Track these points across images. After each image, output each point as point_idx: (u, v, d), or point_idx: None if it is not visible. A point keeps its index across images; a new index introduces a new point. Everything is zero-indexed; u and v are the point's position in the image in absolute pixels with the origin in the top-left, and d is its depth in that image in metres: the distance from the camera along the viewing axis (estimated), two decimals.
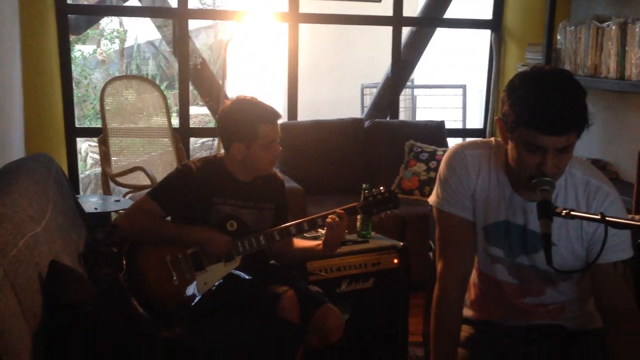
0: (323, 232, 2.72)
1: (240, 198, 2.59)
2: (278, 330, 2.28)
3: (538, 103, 1.69)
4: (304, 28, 4.95)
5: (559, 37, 4.62)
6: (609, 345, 1.83)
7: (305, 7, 4.90)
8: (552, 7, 4.50)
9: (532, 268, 1.94)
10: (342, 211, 2.57)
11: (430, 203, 2.01)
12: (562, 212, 1.62)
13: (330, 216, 2.55)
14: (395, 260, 3.17)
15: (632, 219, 1.66)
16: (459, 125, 7.34)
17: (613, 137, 4.56)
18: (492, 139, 1.99)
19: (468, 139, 2.21)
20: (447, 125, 5.00)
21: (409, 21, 5.29)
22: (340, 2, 5.13)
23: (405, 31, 5.36)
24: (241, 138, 2.52)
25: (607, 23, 4.18)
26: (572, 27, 4.48)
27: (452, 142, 4.87)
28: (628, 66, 3.99)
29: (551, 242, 1.65)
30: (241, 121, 2.52)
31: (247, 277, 2.56)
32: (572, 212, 1.60)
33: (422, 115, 8.06)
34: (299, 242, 2.72)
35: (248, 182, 2.62)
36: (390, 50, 5.14)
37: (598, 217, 1.52)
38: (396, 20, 5.05)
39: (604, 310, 1.89)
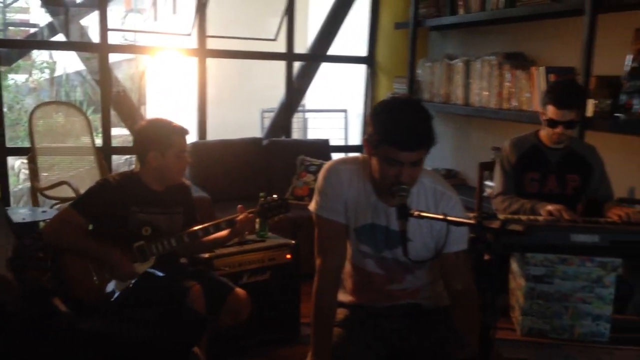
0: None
1: (154, 206, 2.55)
2: (185, 320, 2.25)
3: (397, 126, 1.75)
4: (213, 61, 4.90)
5: (419, 71, 4.79)
6: (454, 318, 1.91)
7: (212, 44, 4.85)
8: (413, 47, 4.67)
9: (394, 260, 1.99)
10: (250, 214, 2.60)
11: (310, 209, 2.02)
12: (414, 213, 1.67)
13: (241, 215, 2.57)
14: (288, 256, 3.19)
15: (468, 218, 1.74)
16: (342, 143, 7.45)
17: (461, 151, 4.77)
18: (360, 155, 2.03)
19: (349, 154, 2.26)
20: (332, 143, 5.07)
21: (299, 57, 5.34)
22: (242, 40, 5.12)
23: (297, 64, 5.40)
24: (157, 147, 2.51)
25: (455, 60, 4.37)
26: (429, 63, 4.65)
27: (336, 156, 4.94)
28: (472, 95, 4.19)
29: (407, 238, 1.70)
30: (156, 132, 2.52)
31: (160, 274, 2.51)
32: (422, 214, 1.65)
33: (312, 135, 8.13)
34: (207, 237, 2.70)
35: (160, 192, 2.59)
36: (284, 81, 5.17)
37: (441, 217, 1.58)
38: (288, 56, 5.09)
39: (449, 290, 1.97)
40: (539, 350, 2.35)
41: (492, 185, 3.24)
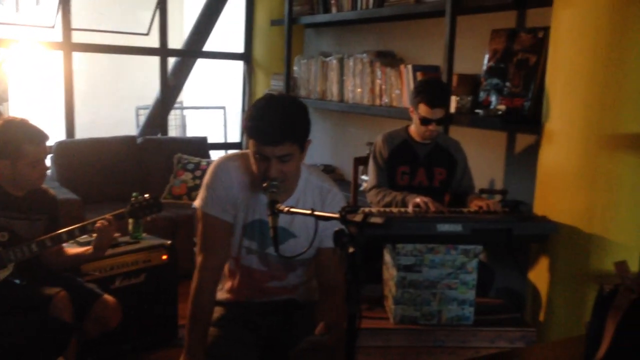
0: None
1: (13, 210, 2.37)
2: (49, 328, 2.11)
3: (259, 120, 1.75)
4: (84, 56, 4.64)
5: (295, 68, 4.82)
6: (319, 311, 1.94)
7: (80, 37, 4.59)
8: (289, 44, 4.67)
9: (277, 257, 1.98)
10: (110, 217, 2.45)
11: (196, 206, 1.96)
12: (283, 209, 1.67)
13: (99, 221, 2.42)
14: (164, 257, 3.08)
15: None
16: (222, 140, 7.36)
17: (339, 147, 4.86)
18: (249, 150, 2.02)
19: (229, 151, 2.22)
20: (211, 140, 4.98)
21: (173, 52, 5.19)
22: (114, 34, 4.89)
23: (172, 60, 5.25)
24: (6, 156, 2.31)
25: (329, 57, 4.43)
26: (305, 60, 4.70)
27: (215, 154, 4.86)
28: (346, 92, 4.27)
29: (278, 233, 1.69)
30: (5, 141, 2.31)
31: (19, 282, 2.33)
32: (291, 210, 1.65)
33: (191, 132, 7.96)
34: (70, 250, 2.55)
35: (21, 196, 2.41)
36: (158, 77, 5.00)
37: (309, 212, 1.59)
38: (162, 51, 4.93)
39: (320, 285, 2.01)
40: (411, 336, 2.45)
41: (367, 179, 3.34)
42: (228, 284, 2.08)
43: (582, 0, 2.51)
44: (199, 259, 1.94)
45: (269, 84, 5.06)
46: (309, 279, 2.09)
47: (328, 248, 1.95)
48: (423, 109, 2.88)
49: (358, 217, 1.39)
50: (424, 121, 2.90)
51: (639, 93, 2.41)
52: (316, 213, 1.57)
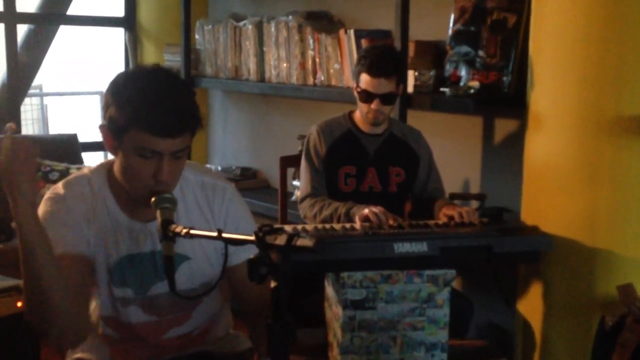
0: None
1: None
2: None
3: (150, 103, 1.73)
4: None
5: (197, 37, 4.78)
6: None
7: None
8: (187, 4, 4.62)
9: (171, 294, 1.95)
10: None
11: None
12: (182, 232, 1.65)
13: None
14: (19, 304, 2.98)
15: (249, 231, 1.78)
16: (99, 137, 7.19)
17: (260, 143, 4.84)
18: (86, 168, 1.99)
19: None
20: (84, 138, 4.87)
21: (24, 17, 5.06)
22: None
23: (23, 28, 5.11)
24: None
25: (243, 22, 4.42)
26: (210, 26, 4.66)
27: (91, 157, 4.76)
28: (268, 68, 4.27)
29: (173, 265, 1.66)
30: None
31: None
32: (191, 232, 1.63)
33: (55, 127, 7.78)
34: None
35: None
36: (4, 52, 4.86)
37: (215, 234, 1.58)
38: (9, 16, 4.78)
39: (241, 312, 2.05)
40: None
41: (299, 185, 3.32)
42: (104, 345, 2.02)
43: None
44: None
45: (161, 58, 4.99)
46: (222, 305, 2.11)
47: (242, 263, 1.92)
48: (365, 80, 2.92)
49: (281, 239, 1.38)
50: (365, 96, 2.93)
51: None
52: (225, 235, 1.56)
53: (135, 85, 1.76)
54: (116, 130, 1.77)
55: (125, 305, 1.95)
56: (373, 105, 2.92)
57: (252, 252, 1.91)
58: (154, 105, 1.73)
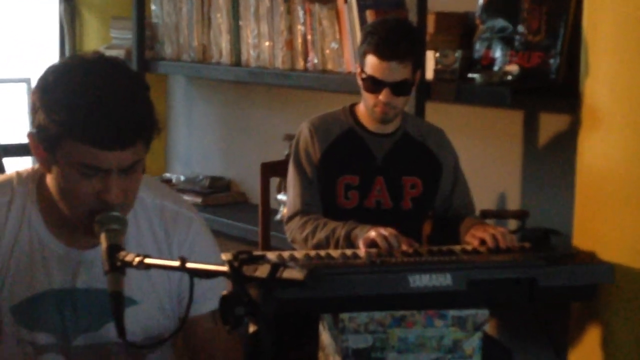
0: None
1: None
2: None
3: (89, 106, 1.71)
4: None
5: (153, 7, 4.79)
6: None
7: None
8: None
9: (112, 344, 1.95)
10: None
11: None
12: (134, 260, 1.65)
13: None
14: None
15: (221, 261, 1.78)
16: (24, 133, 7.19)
17: (236, 144, 4.84)
18: (15, 172, 1.97)
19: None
20: (5, 139, 4.88)
21: None
22: None
23: None
24: None
25: None
26: None
27: (13, 162, 4.74)
28: (244, 48, 4.27)
29: (123, 303, 1.67)
30: None
31: None
32: (146, 260, 1.63)
33: None
34: None
35: None
36: None
37: (177, 264, 1.58)
38: None
39: None
40: None
41: (285, 200, 3.32)
42: None
43: None
44: None
45: (107, 37, 5.01)
46: None
47: (204, 315, 1.96)
48: (372, 64, 2.91)
49: (263, 270, 1.38)
50: (372, 85, 2.92)
51: None
52: (189, 265, 1.56)
53: (69, 83, 1.74)
54: (47, 140, 1.75)
55: (41, 354, 1.95)
56: (382, 97, 2.92)
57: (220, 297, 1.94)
58: (93, 109, 1.71)
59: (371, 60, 2.91)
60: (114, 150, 1.73)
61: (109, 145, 1.73)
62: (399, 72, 2.90)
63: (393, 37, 2.90)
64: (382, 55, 2.89)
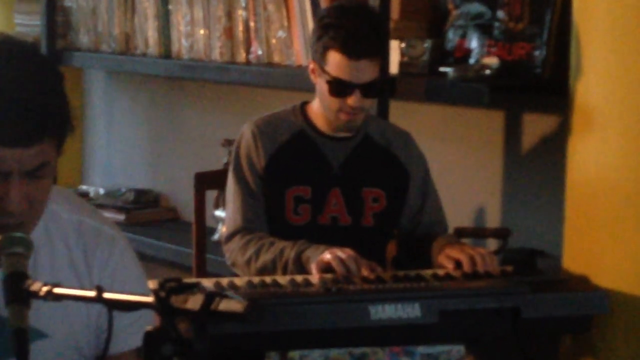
0: None
1: None
2: None
3: None
4: None
5: None
6: None
7: None
8: None
9: None
10: None
11: None
12: (40, 290, 1.63)
13: None
14: None
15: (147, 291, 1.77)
16: None
17: (165, 151, 4.84)
18: None
19: None
20: None
21: None
22: None
23: None
24: None
25: None
26: None
27: None
28: (175, 37, 4.28)
29: (28, 341, 1.65)
30: None
31: None
32: (55, 290, 1.62)
33: None
34: None
35: None
36: None
37: (93, 294, 1.57)
38: None
39: None
40: None
41: (224, 216, 3.31)
42: None
43: None
44: None
45: (10, 23, 5.00)
46: None
47: (128, 352, 1.97)
48: (337, 63, 2.90)
49: (195, 301, 1.38)
50: (339, 87, 2.92)
51: None
52: (108, 296, 1.55)
53: None
54: None
55: None
56: (351, 101, 2.89)
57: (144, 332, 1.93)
58: None
59: (336, 58, 2.88)
60: (16, 147, 1.73)
61: (9, 142, 1.73)
62: (369, 71, 2.90)
63: (361, 30, 2.88)
64: (350, 53, 2.86)
